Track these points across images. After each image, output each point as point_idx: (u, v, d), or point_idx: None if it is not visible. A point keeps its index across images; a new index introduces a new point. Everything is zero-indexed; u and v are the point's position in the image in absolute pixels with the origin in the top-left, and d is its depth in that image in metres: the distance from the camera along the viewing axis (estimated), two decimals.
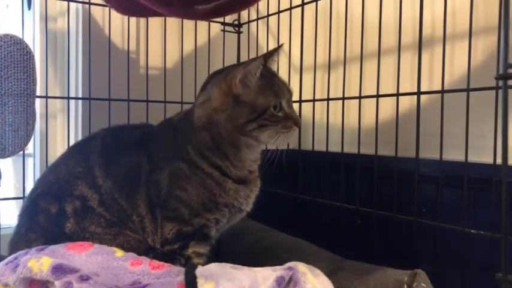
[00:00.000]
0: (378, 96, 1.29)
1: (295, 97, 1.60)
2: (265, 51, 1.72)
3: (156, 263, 0.93)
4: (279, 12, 1.70)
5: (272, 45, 1.81)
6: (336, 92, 1.52)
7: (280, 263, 0.87)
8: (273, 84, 1.07)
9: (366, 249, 1.32)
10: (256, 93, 1.05)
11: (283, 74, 1.45)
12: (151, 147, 1.10)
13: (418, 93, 1.18)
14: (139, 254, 0.96)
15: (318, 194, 1.53)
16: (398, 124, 1.21)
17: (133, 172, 1.07)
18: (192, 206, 1.05)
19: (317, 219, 1.51)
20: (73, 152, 1.16)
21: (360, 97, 1.35)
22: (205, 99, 1.11)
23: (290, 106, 1.09)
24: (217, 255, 1.13)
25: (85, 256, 0.93)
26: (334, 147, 1.50)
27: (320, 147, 1.55)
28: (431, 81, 1.36)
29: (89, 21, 1.53)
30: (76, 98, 1.60)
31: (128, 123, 1.40)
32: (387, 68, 1.34)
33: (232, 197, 1.08)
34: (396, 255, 1.21)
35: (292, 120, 1.07)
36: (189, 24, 1.73)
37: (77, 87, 1.62)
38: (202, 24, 1.79)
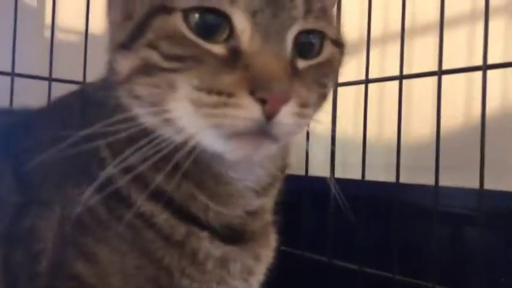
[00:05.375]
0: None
1: None
2: None
3: None
4: None
5: None
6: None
7: None
8: None
9: None
10: None
11: None
12: (26, 153, 0.62)
13: None
14: None
15: (337, 251, 1.16)
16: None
17: None
18: None
19: None
20: None
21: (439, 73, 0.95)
22: None
23: (267, 37, 0.50)
24: None
25: None
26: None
27: (346, 172, 1.14)
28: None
29: None
30: None
31: None
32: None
33: (214, 276, 0.59)
34: None
35: (248, 74, 0.48)
36: None
37: None
38: None
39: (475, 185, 0.93)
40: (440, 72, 0.92)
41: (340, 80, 1.11)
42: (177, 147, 0.50)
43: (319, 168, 1.18)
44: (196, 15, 0.49)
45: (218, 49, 0.49)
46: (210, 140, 0.49)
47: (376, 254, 1.10)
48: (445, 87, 1.06)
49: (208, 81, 0.48)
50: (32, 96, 1.13)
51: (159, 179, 0.55)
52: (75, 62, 1.24)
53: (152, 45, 0.49)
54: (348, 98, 1.17)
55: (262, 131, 0.47)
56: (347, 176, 1.18)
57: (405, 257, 1.05)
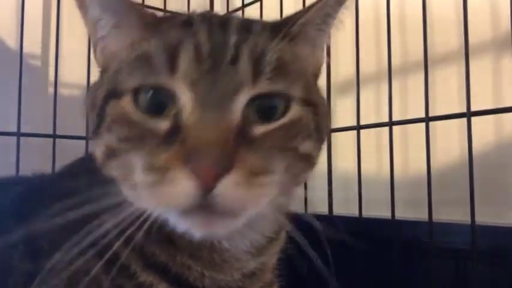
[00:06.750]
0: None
1: None
2: None
3: None
4: None
5: None
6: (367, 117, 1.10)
7: None
8: (161, 39, 0.50)
9: None
10: (113, 57, 0.55)
11: None
12: (37, 221, 0.59)
13: None
14: None
15: None
16: None
17: None
18: None
19: None
20: None
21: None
22: None
23: (206, 106, 0.45)
24: None
25: None
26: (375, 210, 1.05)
27: (348, 209, 1.08)
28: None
29: None
30: None
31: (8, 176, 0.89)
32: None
33: None
34: None
35: (184, 147, 0.43)
36: None
37: None
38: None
39: (479, 219, 0.89)
40: (427, 119, 0.94)
41: (336, 125, 1.11)
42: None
43: (319, 205, 1.14)
44: (145, 95, 0.48)
45: (164, 125, 0.46)
46: (170, 218, 0.47)
47: None
48: (440, 124, 1.02)
49: (148, 160, 0.45)
50: (38, 152, 1.18)
51: (152, 249, 0.54)
52: (79, 116, 1.21)
53: (109, 129, 0.49)
54: (347, 139, 1.15)
55: (205, 206, 0.43)
56: (348, 213, 1.14)
57: None
